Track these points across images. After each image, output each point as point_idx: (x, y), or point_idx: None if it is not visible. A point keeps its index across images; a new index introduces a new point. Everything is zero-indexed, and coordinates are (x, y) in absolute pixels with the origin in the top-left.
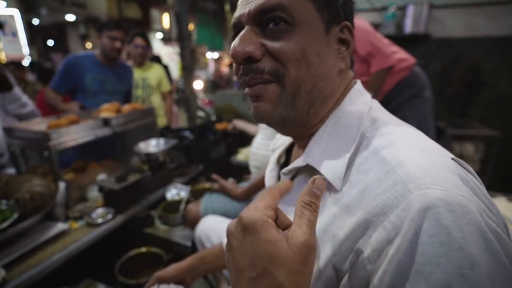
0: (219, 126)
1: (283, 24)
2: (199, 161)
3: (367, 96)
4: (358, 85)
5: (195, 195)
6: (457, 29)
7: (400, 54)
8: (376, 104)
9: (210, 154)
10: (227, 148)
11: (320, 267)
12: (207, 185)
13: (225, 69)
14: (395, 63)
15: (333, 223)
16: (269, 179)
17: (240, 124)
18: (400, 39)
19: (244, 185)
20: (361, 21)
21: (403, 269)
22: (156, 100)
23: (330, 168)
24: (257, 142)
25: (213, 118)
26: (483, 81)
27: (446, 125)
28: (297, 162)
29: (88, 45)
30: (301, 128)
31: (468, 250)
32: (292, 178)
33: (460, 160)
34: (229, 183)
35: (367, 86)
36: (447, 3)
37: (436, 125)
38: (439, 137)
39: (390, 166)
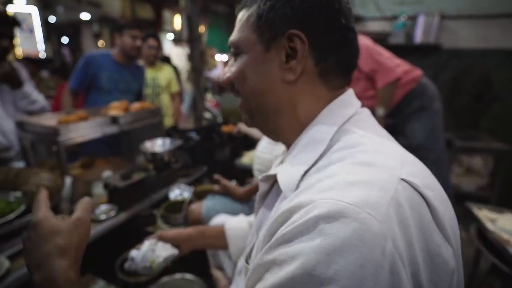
0: (225, 129)
1: (236, 55)
2: (204, 162)
3: (351, 107)
4: (344, 96)
5: (198, 196)
6: (468, 40)
7: (404, 67)
8: (361, 115)
9: (215, 156)
10: (232, 150)
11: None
12: (210, 186)
13: None
14: (401, 75)
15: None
16: None
17: (244, 128)
18: (409, 49)
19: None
20: (362, 38)
21: (268, 251)
22: (164, 100)
23: (286, 180)
24: (262, 145)
25: (220, 120)
26: (494, 93)
27: (455, 137)
28: (272, 171)
29: (101, 43)
30: (277, 138)
31: (339, 262)
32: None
33: (416, 184)
34: (231, 183)
35: (377, 101)
36: (459, 13)
37: (445, 137)
38: (448, 149)
39: (325, 176)
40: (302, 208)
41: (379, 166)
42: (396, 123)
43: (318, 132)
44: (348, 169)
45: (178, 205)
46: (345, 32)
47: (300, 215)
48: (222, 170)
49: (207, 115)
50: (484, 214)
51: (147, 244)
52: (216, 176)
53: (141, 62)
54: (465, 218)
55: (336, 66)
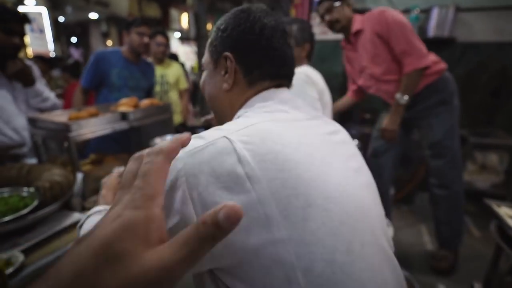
0: None
1: (203, 71)
2: None
3: (257, 106)
4: (257, 96)
5: None
6: (484, 33)
7: (432, 56)
8: (274, 105)
9: None
10: None
11: None
12: None
13: None
14: (431, 64)
15: None
16: None
17: None
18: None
19: None
20: (398, 14)
21: None
22: (173, 97)
23: None
24: None
25: None
26: (511, 88)
27: (469, 134)
28: None
29: (109, 42)
30: None
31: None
32: None
33: (233, 141)
34: None
35: (400, 87)
36: (474, 6)
37: (459, 134)
38: (461, 145)
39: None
40: None
41: (222, 129)
42: (412, 118)
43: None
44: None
45: None
46: (267, 51)
47: None
48: None
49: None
50: (504, 211)
51: None
52: None
53: (149, 59)
54: (480, 215)
55: (262, 77)
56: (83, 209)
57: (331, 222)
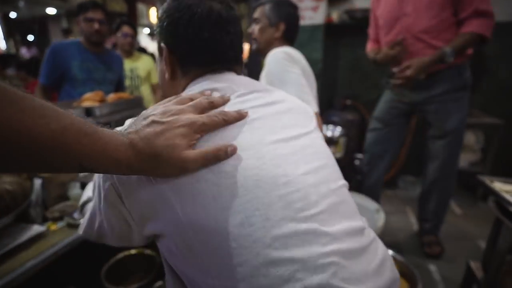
0: None
1: None
2: None
3: (188, 89)
4: (192, 82)
5: None
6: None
7: None
8: (196, 85)
9: None
10: None
11: None
12: None
13: None
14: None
15: None
16: None
17: None
18: None
19: None
20: None
21: None
22: (145, 92)
23: None
24: None
25: None
26: (485, 67)
27: None
28: None
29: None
30: None
31: None
32: None
33: None
34: None
35: (452, 43)
36: None
37: None
38: None
39: None
40: None
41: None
42: (423, 102)
43: None
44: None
45: None
46: (194, 42)
47: None
48: None
49: None
50: (498, 186)
51: None
52: None
53: (116, 52)
54: (460, 193)
55: (196, 66)
56: (45, 220)
57: (220, 196)
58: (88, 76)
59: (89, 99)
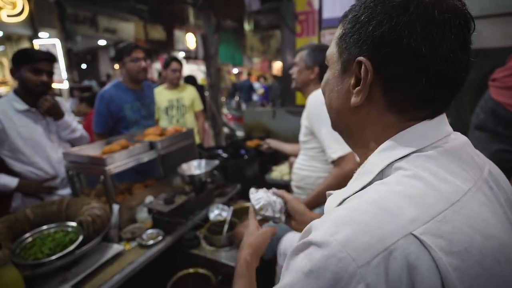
0: (250, 144)
1: (327, 67)
2: (235, 179)
3: (421, 140)
4: (418, 127)
5: (236, 215)
6: (494, 39)
7: None
8: (436, 149)
9: (246, 172)
10: (260, 166)
11: None
12: (247, 204)
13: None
14: None
15: None
16: None
17: (275, 143)
18: None
19: None
20: None
21: None
22: (189, 119)
23: (328, 204)
24: (298, 162)
25: (238, 133)
26: None
27: None
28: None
29: (116, 66)
30: (356, 153)
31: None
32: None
33: (429, 245)
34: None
35: None
36: (482, 14)
37: None
38: None
39: (342, 207)
40: (311, 229)
41: (394, 213)
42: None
43: (371, 163)
44: (358, 207)
45: (219, 226)
46: (426, 61)
47: (306, 234)
48: (253, 187)
49: (225, 129)
50: None
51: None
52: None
53: (164, 85)
54: None
55: (409, 98)
56: (120, 240)
57: None
58: (139, 115)
59: (151, 134)
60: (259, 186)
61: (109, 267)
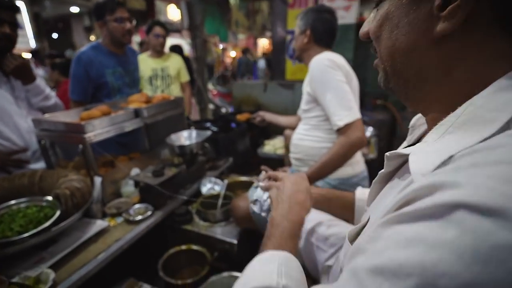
0: (240, 117)
1: (378, 4)
2: (226, 153)
3: None
4: None
5: (230, 189)
6: None
7: None
8: None
9: (237, 146)
10: (251, 140)
11: None
12: (241, 178)
13: (229, 60)
14: None
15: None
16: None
17: (269, 116)
18: None
19: None
20: None
21: None
22: (175, 90)
23: (419, 164)
24: (298, 133)
25: (223, 110)
26: None
27: None
28: (405, 149)
29: (92, 38)
30: (417, 108)
31: None
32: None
33: None
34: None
35: None
36: None
37: None
38: None
39: (487, 160)
40: (441, 188)
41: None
42: None
43: (486, 108)
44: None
45: (213, 200)
46: None
47: (437, 196)
48: (244, 161)
49: (211, 106)
50: None
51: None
52: (264, 168)
53: (148, 53)
54: None
55: None
56: (104, 215)
57: None
58: (122, 82)
59: (136, 101)
60: (250, 160)
61: (93, 245)
